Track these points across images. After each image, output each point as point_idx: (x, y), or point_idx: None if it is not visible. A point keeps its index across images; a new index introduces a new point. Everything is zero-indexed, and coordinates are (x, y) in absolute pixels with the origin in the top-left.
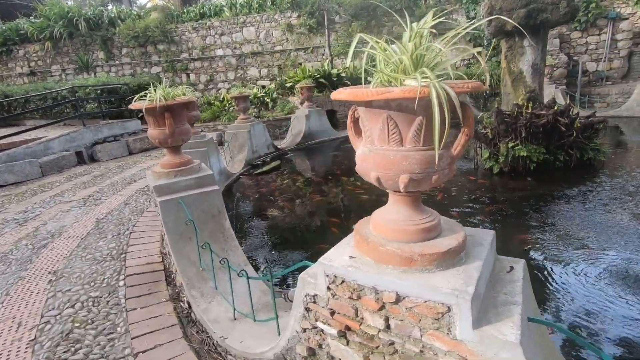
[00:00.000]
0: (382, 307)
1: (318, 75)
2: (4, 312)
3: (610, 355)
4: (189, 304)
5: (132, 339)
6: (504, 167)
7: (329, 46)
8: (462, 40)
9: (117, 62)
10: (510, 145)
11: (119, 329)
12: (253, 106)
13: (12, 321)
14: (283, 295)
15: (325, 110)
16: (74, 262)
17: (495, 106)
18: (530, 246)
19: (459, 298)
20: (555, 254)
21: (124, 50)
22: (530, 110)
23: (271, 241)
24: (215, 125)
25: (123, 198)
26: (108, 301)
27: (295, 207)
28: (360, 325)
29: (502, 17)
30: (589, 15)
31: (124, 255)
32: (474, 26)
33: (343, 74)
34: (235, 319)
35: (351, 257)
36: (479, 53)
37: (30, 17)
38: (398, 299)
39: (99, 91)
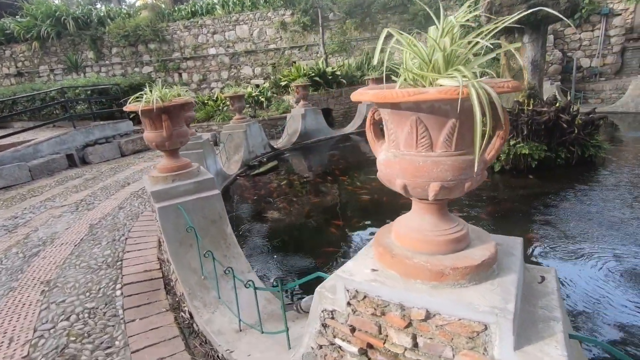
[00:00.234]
0: (409, 325)
1: (313, 74)
2: None
3: None
4: (190, 314)
5: (132, 353)
6: (506, 165)
7: (323, 44)
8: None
9: (107, 62)
10: (511, 143)
11: (117, 342)
12: (248, 106)
13: (3, 336)
14: (295, 307)
15: (320, 109)
16: (67, 271)
17: None
18: (536, 245)
19: (499, 317)
20: (562, 254)
21: (114, 50)
22: (531, 108)
23: (272, 245)
24: (210, 126)
25: (117, 202)
26: (105, 312)
27: (295, 209)
28: (384, 343)
29: (546, 8)
30: (583, 11)
31: (120, 262)
32: (513, 18)
33: (338, 72)
34: (240, 330)
35: (373, 270)
36: (517, 49)
37: (17, 16)
38: (428, 316)
39: (89, 92)
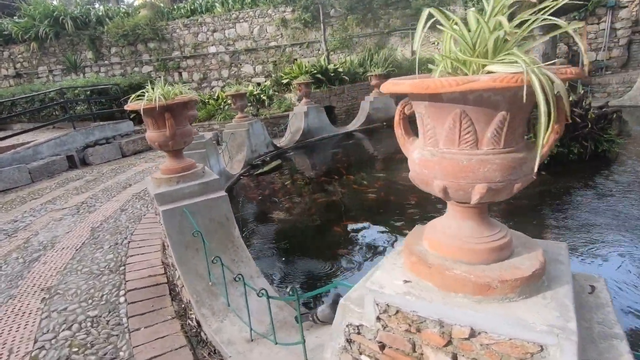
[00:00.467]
0: (449, 343)
1: (315, 71)
2: None
3: None
4: (198, 322)
5: None
6: None
7: (325, 41)
8: None
9: (106, 61)
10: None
11: (122, 353)
12: (250, 104)
13: (3, 347)
14: (311, 316)
15: (323, 107)
16: (69, 277)
17: None
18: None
19: (560, 338)
20: (583, 253)
21: (113, 50)
22: None
23: (279, 246)
24: (211, 125)
25: (119, 204)
26: (108, 321)
27: (301, 209)
28: None
29: None
30: (589, 3)
31: (123, 267)
32: None
33: (340, 69)
34: (252, 340)
35: (406, 281)
36: (578, 30)
37: (14, 17)
38: (472, 334)
39: (88, 92)
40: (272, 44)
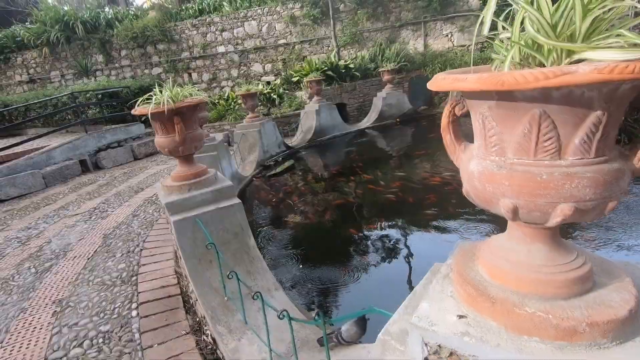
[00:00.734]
0: None
1: (325, 68)
2: (3, 354)
3: None
4: (213, 339)
5: None
6: None
7: (335, 37)
8: (474, 23)
9: (116, 64)
10: None
11: None
12: (260, 103)
13: None
14: (335, 337)
15: (335, 104)
16: (80, 289)
17: None
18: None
19: None
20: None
21: (123, 52)
22: None
23: (295, 253)
24: (222, 125)
25: (131, 209)
26: (120, 337)
27: (316, 212)
28: None
29: None
30: None
31: (135, 277)
32: None
33: (351, 65)
34: None
35: (460, 316)
36: None
37: (26, 23)
38: None
39: (99, 96)
40: (281, 41)
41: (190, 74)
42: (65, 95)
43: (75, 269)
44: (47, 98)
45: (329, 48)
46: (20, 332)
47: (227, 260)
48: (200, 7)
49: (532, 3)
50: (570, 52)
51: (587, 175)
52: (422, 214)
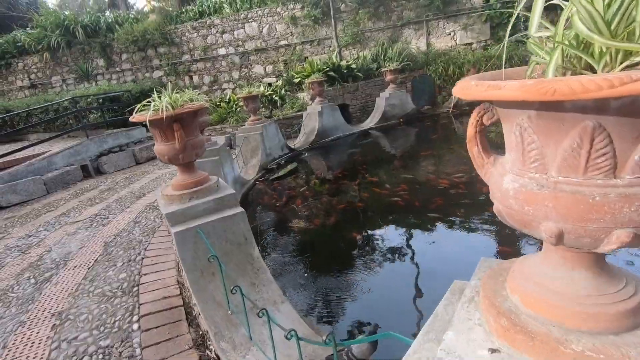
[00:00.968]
0: None
1: (327, 69)
2: None
3: None
4: (217, 355)
5: None
6: None
7: (336, 37)
8: (477, 21)
9: (117, 68)
10: None
11: None
12: (262, 105)
13: None
14: (345, 355)
15: (337, 105)
16: (80, 300)
17: None
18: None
19: None
20: None
21: (124, 56)
22: None
23: (300, 260)
24: (223, 128)
25: (132, 215)
26: (121, 352)
27: (321, 217)
28: None
29: None
30: None
31: (136, 288)
32: None
33: (353, 66)
34: None
35: (493, 351)
36: None
37: (27, 28)
38: None
39: (101, 100)
40: (282, 42)
41: (191, 77)
42: (66, 100)
43: (76, 279)
44: (49, 103)
45: (331, 48)
46: (18, 348)
47: (230, 272)
48: (200, 10)
49: None
50: (626, 55)
51: None
52: (430, 218)
